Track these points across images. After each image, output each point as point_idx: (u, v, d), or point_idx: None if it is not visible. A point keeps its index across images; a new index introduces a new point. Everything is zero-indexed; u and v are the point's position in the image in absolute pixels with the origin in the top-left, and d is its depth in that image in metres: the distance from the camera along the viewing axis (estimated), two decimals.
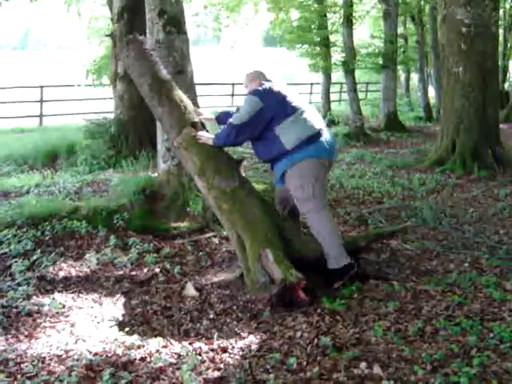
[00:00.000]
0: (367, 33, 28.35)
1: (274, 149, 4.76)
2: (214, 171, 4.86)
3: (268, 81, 4.94)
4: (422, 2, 21.89)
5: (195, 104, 6.47)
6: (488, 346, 3.57)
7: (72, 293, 4.69)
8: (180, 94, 5.34)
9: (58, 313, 4.25)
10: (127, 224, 6.12)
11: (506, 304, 4.26)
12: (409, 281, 4.79)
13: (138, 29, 9.85)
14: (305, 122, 4.75)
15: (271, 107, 4.69)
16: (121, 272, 5.16)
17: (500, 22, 21.63)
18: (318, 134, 4.79)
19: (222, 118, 5.45)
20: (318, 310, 4.14)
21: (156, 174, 7.26)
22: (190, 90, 6.73)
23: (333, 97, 24.41)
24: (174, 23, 6.71)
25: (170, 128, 5.17)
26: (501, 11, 24.46)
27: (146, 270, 5.20)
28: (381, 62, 18.12)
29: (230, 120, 4.80)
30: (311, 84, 27.96)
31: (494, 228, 6.58)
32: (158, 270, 5.20)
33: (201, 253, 5.48)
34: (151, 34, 6.69)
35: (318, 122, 4.87)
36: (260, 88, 4.79)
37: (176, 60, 6.64)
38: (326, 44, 19.80)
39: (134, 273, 5.16)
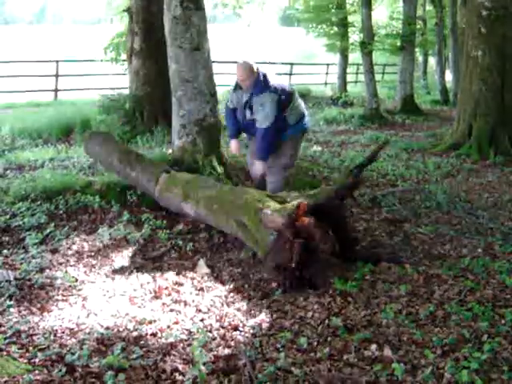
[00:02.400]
0: (386, 14, 28.06)
1: (282, 129, 5.62)
2: (197, 187, 5.37)
3: (259, 71, 5.57)
4: None
5: (212, 81, 6.50)
6: (499, 332, 3.56)
7: (84, 267, 4.71)
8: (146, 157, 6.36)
9: (70, 286, 4.27)
10: (140, 200, 6.13)
11: None
12: (421, 264, 4.77)
13: (155, 4, 9.87)
14: (299, 104, 5.79)
15: (283, 97, 5.53)
16: (133, 247, 5.17)
17: None
18: (304, 114, 5.88)
19: (236, 131, 6.05)
20: (330, 291, 4.14)
21: (170, 151, 7.24)
22: (207, 68, 6.71)
23: (349, 78, 24.25)
24: None
25: (147, 183, 5.88)
26: None
27: (158, 246, 5.21)
28: (399, 44, 17.94)
29: (260, 127, 5.50)
30: (327, 64, 27.74)
31: (509, 214, 6.54)
32: (170, 246, 5.20)
33: (213, 230, 5.48)
34: (168, 10, 6.63)
35: (302, 104, 5.92)
36: (271, 84, 5.48)
37: (193, 36, 6.58)
38: (344, 24, 19.64)
39: (146, 248, 5.17)
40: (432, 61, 30.15)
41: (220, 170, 6.44)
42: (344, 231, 4.75)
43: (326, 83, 26.94)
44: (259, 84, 5.45)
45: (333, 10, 19.76)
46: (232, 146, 6.09)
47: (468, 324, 3.67)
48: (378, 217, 6.21)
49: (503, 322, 3.71)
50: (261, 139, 5.55)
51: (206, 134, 6.70)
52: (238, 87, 5.73)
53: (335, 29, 20.04)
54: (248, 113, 5.61)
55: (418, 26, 21.08)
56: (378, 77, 22.90)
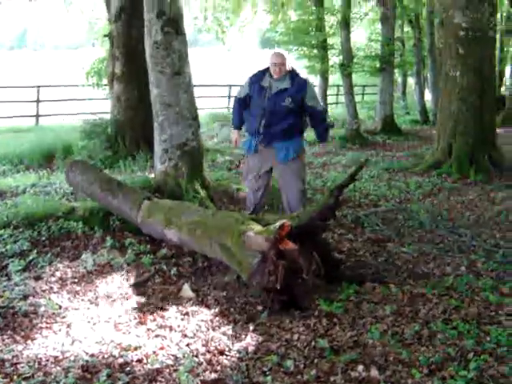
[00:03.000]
0: (365, 36, 28.35)
1: (305, 125, 6.00)
2: (179, 213, 5.40)
3: None
4: (420, 6, 21.92)
5: (193, 105, 6.52)
6: (485, 349, 3.57)
7: (68, 293, 4.67)
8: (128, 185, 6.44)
9: (54, 314, 4.24)
10: (124, 225, 6.11)
11: (503, 307, 4.28)
12: (406, 284, 4.79)
13: (136, 29, 9.92)
14: None
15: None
16: (117, 273, 5.14)
17: (497, 27, 21.70)
18: None
19: (240, 122, 6.22)
20: (316, 313, 4.14)
21: (153, 175, 7.24)
22: (188, 92, 6.75)
23: (329, 99, 24.41)
24: (173, 24, 6.70)
25: (130, 211, 5.86)
26: (498, 16, 24.56)
27: (142, 271, 5.19)
28: (378, 65, 18.12)
29: (321, 109, 5.95)
30: None
31: (491, 232, 6.59)
32: (154, 271, 5.18)
33: (197, 254, 5.46)
34: (149, 35, 6.68)
35: None
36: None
37: (174, 61, 6.63)
38: (323, 46, 19.80)
39: (130, 274, 5.14)
40: (411, 81, 30.45)
41: (203, 193, 6.44)
42: (328, 252, 4.77)
43: None
44: (293, 71, 5.87)
45: (312, 33, 19.92)
46: (233, 136, 6.36)
47: (453, 342, 3.68)
48: (361, 237, 6.23)
49: (488, 339, 3.73)
50: (323, 125, 6.04)
51: (188, 158, 6.72)
52: (263, 76, 5.84)
53: (315, 51, 20.19)
54: (282, 99, 5.71)
55: (397, 47, 21.33)
56: (358, 98, 23.09)
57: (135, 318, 4.20)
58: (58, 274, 5.06)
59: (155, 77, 6.68)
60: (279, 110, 5.69)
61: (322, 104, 5.92)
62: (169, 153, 6.66)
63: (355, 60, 17.85)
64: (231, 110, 6.37)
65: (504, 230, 6.71)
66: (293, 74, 5.79)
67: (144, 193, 6.12)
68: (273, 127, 5.71)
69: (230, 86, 23.57)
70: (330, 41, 21.00)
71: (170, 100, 6.62)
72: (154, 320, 4.17)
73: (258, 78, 5.87)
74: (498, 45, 25.23)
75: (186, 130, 6.72)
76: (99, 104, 16.63)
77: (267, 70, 5.82)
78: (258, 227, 4.40)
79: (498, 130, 11.46)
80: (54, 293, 4.66)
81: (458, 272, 5.13)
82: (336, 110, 25.81)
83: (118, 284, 4.91)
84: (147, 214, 5.68)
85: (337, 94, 30.15)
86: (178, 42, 6.71)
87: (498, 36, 25.75)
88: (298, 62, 21.88)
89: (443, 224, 6.82)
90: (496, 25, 11.15)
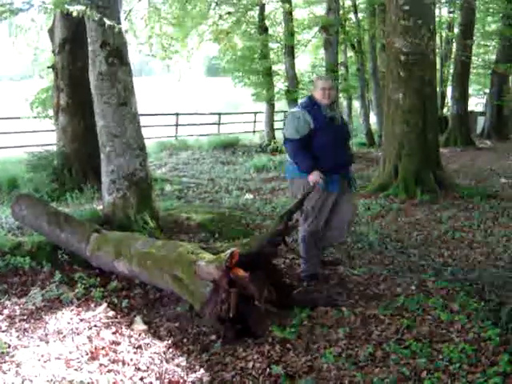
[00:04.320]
0: (309, 62, 28.77)
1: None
2: (129, 245, 5.35)
3: None
4: (362, 31, 22.40)
5: (140, 135, 6.48)
6: (438, 367, 3.63)
7: (17, 331, 4.55)
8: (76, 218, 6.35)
9: (2, 353, 4.12)
10: (72, 259, 6.00)
11: (454, 325, 4.35)
12: (358, 306, 4.84)
13: (80, 60, 9.86)
14: None
15: None
16: (67, 308, 5.04)
17: (437, 50, 22.33)
18: None
19: (314, 161, 5.34)
20: (269, 339, 4.14)
21: (101, 207, 7.16)
22: (135, 122, 6.72)
23: (276, 125, 24.61)
24: (117, 55, 6.69)
25: (78, 244, 5.80)
26: (437, 39, 25.31)
27: (93, 305, 5.09)
28: None
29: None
30: (255, 113, 28.13)
31: (439, 250, 6.72)
32: (105, 304, 5.09)
33: (148, 286, 5.40)
34: (94, 66, 6.65)
35: None
36: None
37: (119, 91, 6.61)
38: (268, 73, 20.02)
39: (80, 308, 5.05)
40: (356, 104, 30.95)
41: (153, 224, 6.40)
42: (279, 278, 4.79)
43: (254, 131, 27.25)
44: None
45: (257, 60, 20.15)
46: (316, 175, 5.20)
47: (407, 362, 3.73)
48: None
49: (441, 357, 3.79)
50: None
51: (136, 189, 6.68)
52: (315, 106, 5.37)
53: (260, 78, 20.39)
54: (347, 128, 5.69)
55: (341, 72, 21.68)
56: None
57: (87, 354, 4.11)
58: (5, 311, 4.93)
59: (101, 108, 6.64)
60: (348, 139, 5.74)
61: None
62: (116, 184, 6.61)
63: (300, 86, 18.07)
64: (293, 153, 5.40)
65: (452, 248, 6.85)
66: (334, 102, 5.61)
67: (92, 225, 6.04)
68: (351, 158, 5.70)
69: (178, 114, 23.54)
70: (275, 67, 21.26)
71: (117, 131, 6.59)
72: (106, 355, 4.09)
73: (315, 109, 5.35)
74: (438, 67, 25.99)
75: (133, 161, 6.68)
76: (44, 136, 16.38)
77: (311, 100, 5.45)
78: (208, 256, 4.39)
79: (441, 150, 11.73)
80: (3, 331, 4.53)
81: (408, 292, 5.20)
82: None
83: (68, 319, 4.80)
84: (96, 247, 5.62)
85: (284, 120, 30.38)
86: (122, 72, 6.70)
87: (438, 59, 26.59)
88: (244, 89, 22.07)
89: (392, 245, 6.92)
90: (435, 48, 11.48)
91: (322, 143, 5.27)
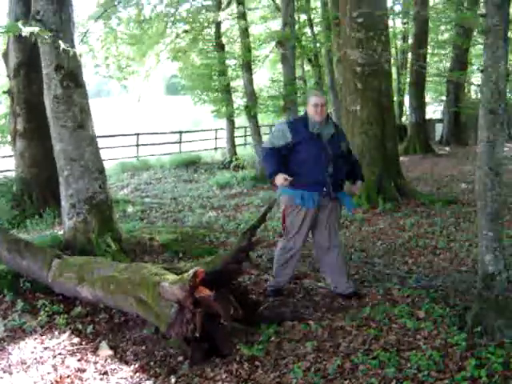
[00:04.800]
0: (268, 76, 28.91)
1: None
2: (91, 269, 5.27)
3: None
4: (318, 45, 22.60)
5: (98, 158, 6.41)
6: (407, 375, 3.64)
7: None
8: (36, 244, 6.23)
9: None
10: (35, 286, 5.89)
11: (421, 332, 4.38)
12: (325, 318, 4.83)
13: (36, 84, 9.75)
14: None
15: None
16: (31, 337, 4.93)
17: (393, 60, 22.65)
18: None
19: (281, 167, 5.32)
20: (237, 358, 4.10)
21: (62, 232, 7.06)
22: (92, 144, 6.65)
23: (238, 141, 24.65)
24: (72, 78, 6.63)
25: (40, 270, 5.68)
26: (393, 50, 25.69)
27: (57, 333, 4.99)
28: (282, 105, 18.45)
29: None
30: (216, 130, 28.14)
31: (403, 258, 6.78)
32: (69, 331, 5.00)
33: (113, 310, 5.32)
34: (49, 90, 6.58)
35: None
36: None
37: (75, 114, 6.54)
38: (227, 90, 20.07)
39: (44, 336, 4.94)
40: None
41: (115, 246, 6.33)
42: (245, 295, 4.76)
43: (215, 148, 27.23)
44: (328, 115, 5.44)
45: (215, 77, 20.19)
46: (280, 178, 5.16)
47: (376, 372, 3.73)
48: None
49: (409, 365, 3.81)
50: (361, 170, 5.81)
51: (97, 212, 6.60)
52: (304, 122, 5.36)
53: (219, 95, 20.43)
54: (338, 146, 5.40)
55: (299, 86, 21.82)
56: (265, 137, 23.37)
57: (52, 383, 4.03)
58: None
59: (57, 131, 6.56)
60: (339, 157, 5.36)
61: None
62: (76, 208, 6.52)
63: (259, 101, 18.14)
64: (262, 161, 5.73)
65: (415, 255, 6.92)
66: (331, 118, 5.51)
67: (53, 251, 5.94)
68: (336, 176, 5.33)
69: (138, 134, 23.41)
70: (233, 84, 21.31)
71: (74, 154, 6.52)
72: (72, 383, 4.01)
73: (300, 124, 5.39)
74: (395, 77, 26.37)
75: (92, 184, 6.61)
76: (3, 162, 16.13)
77: (304, 115, 5.47)
78: (172, 277, 4.34)
79: (402, 158, 11.86)
80: None
81: (374, 301, 5.23)
82: (245, 151, 26.04)
83: (32, 349, 4.70)
84: (58, 273, 5.52)
85: (244, 135, 30.46)
86: (78, 94, 6.64)
87: (395, 69, 26.99)
88: (204, 106, 22.07)
89: (357, 255, 6.96)
90: (390, 59, 11.64)
91: (301, 158, 5.25)
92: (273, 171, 5.23)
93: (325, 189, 5.27)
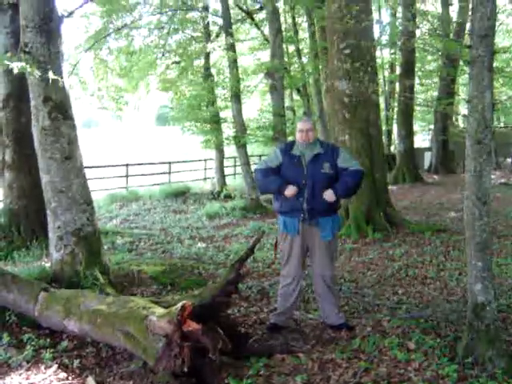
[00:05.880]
0: (256, 106, 29.06)
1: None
2: (78, 302, 5.22)
3: None
4: (306, 75, 22.78)
5: (86, 189, 6.38)
6: None
7: None
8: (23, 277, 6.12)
9: None
10: (20, 319, 5.81)
11: (411, 364, 4.35)
12: (315, 351, 4.78)
13: (25, 115, 9.73)
14: None
15: None
16: (16, 372, 4.84)
17: (380, 90, 22.83)
18: None
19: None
20: None
21: (49, 264, 6.99)
22: (80, 176, 6.63)
23: (227, 171, 24.67)
24: (60, 109, 6.62)
25: (27, 304, 5.60)
26: (381, 79, 25.92)
27: (43, 368, 4.91)
28: (271, 135, 18.51)
29: (356, 168, 5.51)
30: (205, 160, 28.17)
31: (393, 289, 6.75)
32: (56, 366, 4.92)
33: (101, 344, 5.25)
34: (37, 121, 6.57)
35: None
36: None
37: (63, 146, 6.53)
38: (216, 120, 20.14)
39: (30, 372, 4.86)
40: None
41: (103, 279, 6.26)
42: (234, 327, 4.72)
43: (205, 178, 27.23)
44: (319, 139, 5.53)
45: (205, 108, 20.28)
46: (292, 189, 5.19)
47: None
48: (267, 307, 6.20)
49: None
50: (355, 178, 5.42)
51: (84, 244, 6.55)
52: (292, 145, 5.45)
53: (208, 125, 20.49)
54: (320, 167, 5.26)
55: (288, 116, 21.94)
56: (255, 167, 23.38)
57: None
58: None
59: (45, 163, 6.54)
60: (320, 180, 5.23)
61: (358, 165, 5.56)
62: (64, 240, 6.47)
63: (248, 131, 18.20)
64: (258, 181, 5.65)
65: (405, 285, 6.90)
66: (322, 141, 5.55)
67: (40, 284, 5.87)
68: (316, 200, 5.20)
69: (128, 165, 23.41)
70: (222, 114, 21.41)
71: (62, 186, 6.48)
72: None
73: (288, 147, 5.50)
74: (383, 106, 26.57)
75: (80, 216, 6.57)
76: None
77: (293, 141, 5.55)
78: (160, 310, 4.31)
79: (391, 187, 11.89)
80: None
81: (364, 333, 5.19)
82: (234, 181, 26.07)
83: None
84: (45, 306, 5.45)
85: (234, 165, 30.50)
86: (66, 126, 6.63)
87: (382, 98, 27.20)
88: (193, 136, 22.12)
89: (347, 285, 6.93)
90: (378, 89, 11.73)
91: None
92: (281, 183, 5.25)
93: (302, 215, 5.24)
